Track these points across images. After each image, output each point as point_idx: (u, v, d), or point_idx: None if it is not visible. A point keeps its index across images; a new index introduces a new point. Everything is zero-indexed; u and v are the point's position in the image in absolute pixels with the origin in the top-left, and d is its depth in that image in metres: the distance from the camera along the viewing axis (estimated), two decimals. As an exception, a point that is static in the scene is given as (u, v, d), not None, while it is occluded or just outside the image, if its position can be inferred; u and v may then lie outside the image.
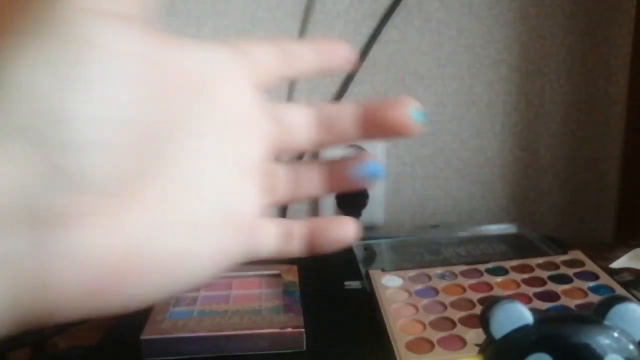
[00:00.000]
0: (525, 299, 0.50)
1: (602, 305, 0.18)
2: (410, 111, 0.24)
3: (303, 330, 0.44)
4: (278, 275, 0.55)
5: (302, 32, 0.77)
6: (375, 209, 0.80)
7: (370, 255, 0.63)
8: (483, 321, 0.18)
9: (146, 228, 0.19)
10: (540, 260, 0.57)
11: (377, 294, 0.51)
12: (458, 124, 0.81)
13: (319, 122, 0.25)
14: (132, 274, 0.18)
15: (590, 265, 0.55)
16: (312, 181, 0.25)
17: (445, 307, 0.49)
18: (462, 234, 0.67)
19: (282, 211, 0.80)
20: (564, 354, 0.17)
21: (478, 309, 0.49)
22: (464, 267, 0.56)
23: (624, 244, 0.65)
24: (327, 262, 0.66)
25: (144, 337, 0.43)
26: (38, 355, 0.54)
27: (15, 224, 0.16)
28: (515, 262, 0.56)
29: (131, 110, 0.18)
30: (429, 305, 0.50)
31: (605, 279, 0.52)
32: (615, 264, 0.61)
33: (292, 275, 0.54)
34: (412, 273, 0.55)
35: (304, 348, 0.44)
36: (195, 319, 0.46)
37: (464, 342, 0.44)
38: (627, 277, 0.57)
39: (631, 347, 0.17)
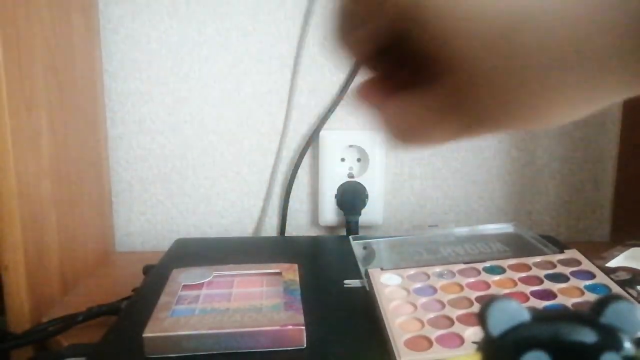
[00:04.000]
0: (523, 298, 0.50)
1: (598, 304, 0.18)
2: None
3: (303, 327, 0.45)
4: (279, 274, 0.55)
5: (303, 34, 0.78)
6: (375, 209, 0.81)
7: (370, 254, 0.64)
8: (480, 319, 0.19)
9: None
10: (537, 259, 0.57)
11: (376, 292, 0.52)
12: (456, 124, 0.81)
13: None
14: None
15: (587, 264, 0.56)
16: None
17: (444, 305, 0.49)
18: (460, 233, 0.68)
19: (283, 211, 0.81)
20: (561, 352, 0.17)
21: (476, 307, 0.49)
22: (462, 266, 0.56)
23: (620, 243, 0.66)
24: (327, 260, 0.67)
25: (146, 334, 0.44)
26: (41, 353, 0.55)
27: None
28: (512, 261, 0.57)
29: None
30: (427, 303, 0.50)
31: (601, 278, 0.53)
32: (612, 263, 0.61)
33: (292, 274, 0.55)
34: (410, 271, 0.56)
35: (304, 345, 0.45)
36: (197, 316, 0.46)
37: (461, 340, 0.44)
38: (623, 275, 0.57)
39: (627, 345, 0.18)
